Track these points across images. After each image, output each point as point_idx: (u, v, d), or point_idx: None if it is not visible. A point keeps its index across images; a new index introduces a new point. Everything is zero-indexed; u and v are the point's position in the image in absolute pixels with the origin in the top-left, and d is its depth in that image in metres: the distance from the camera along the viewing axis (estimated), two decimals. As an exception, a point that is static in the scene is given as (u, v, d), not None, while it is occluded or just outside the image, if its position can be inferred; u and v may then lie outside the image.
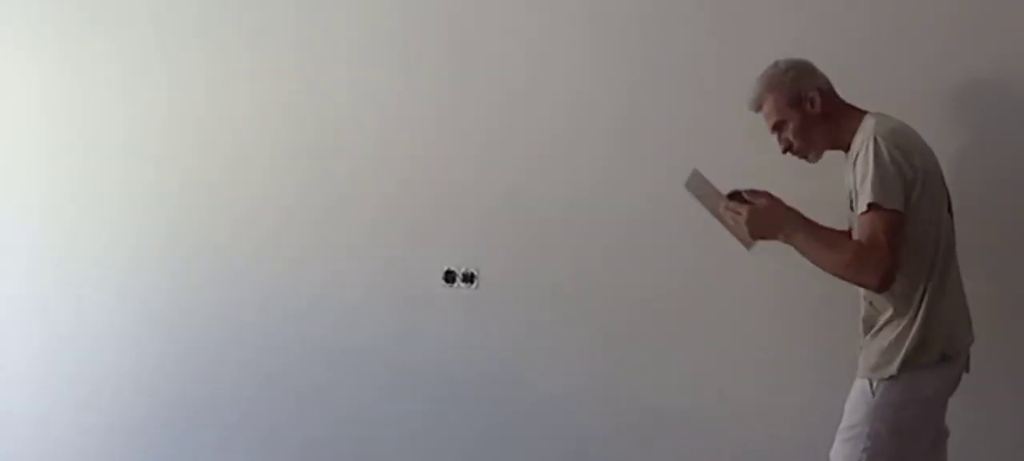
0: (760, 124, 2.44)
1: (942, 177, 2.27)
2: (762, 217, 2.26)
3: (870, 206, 2.10)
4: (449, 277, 3.13)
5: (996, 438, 2.68)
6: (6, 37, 3.57)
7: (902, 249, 2.11)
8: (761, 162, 2.57)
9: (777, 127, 2.37)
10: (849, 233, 2.28)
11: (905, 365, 2.18)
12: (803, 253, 2.22)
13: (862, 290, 2.29)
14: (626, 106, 2.98)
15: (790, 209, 2.27)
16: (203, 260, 3.38)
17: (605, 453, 3.03)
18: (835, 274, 2.17)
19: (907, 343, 2.18)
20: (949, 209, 2.29)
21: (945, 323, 2.21)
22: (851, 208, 2.25)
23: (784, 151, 2.38)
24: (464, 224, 3.13)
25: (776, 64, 2.37)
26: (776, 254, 2.61)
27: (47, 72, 3.56)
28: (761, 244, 2.32)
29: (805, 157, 2.37)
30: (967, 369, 2.35)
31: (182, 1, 3.42)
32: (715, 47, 2.89)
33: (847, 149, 2.30)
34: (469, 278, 3.12)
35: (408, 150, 3.18)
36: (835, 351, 2.57)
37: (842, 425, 2.29)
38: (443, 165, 3.15)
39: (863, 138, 2.20)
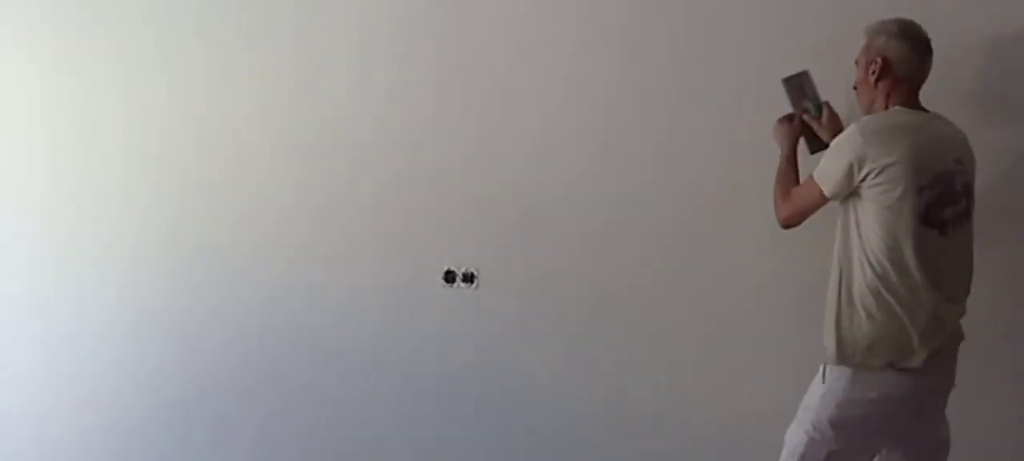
0: (748, 122, 2.61)
1: (933, 187, 2.25)
2: (778, 129, 2.65)
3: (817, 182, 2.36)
4: (449, 277, 3.13)
5: (997, 437, 2.69)
6: (6, 37, 3.56)
7: (799, 218, 2.46)
8: (755, 160, 2.61)
9: (856, 62, 2.48)
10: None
11: (846, 359, 2.28)
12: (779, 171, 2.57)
13: (832, 275, 2.39)
14: (624, 105, 2.98)
15: (789, 140, 2.61)
16: (203, 260, 3.38)
17: (605, 452, 3.03)
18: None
19: (836, 335, 2.31)
20: (941, 223, 2.27)
21: (886, 330, 2.25)
22: None
23: (854, 87, 2.52)
24: (464, 224, 3.13)
25: (888, 21, 2.42)
26: (773, 253, 2.63)
27: (47, 72, 3.56)
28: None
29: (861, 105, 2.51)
30: (951, 383, 2.37)
31: (182, 1, 3.42)
32: (713, 44, 2.89)
33: None
34: (469, 278, 3.12)
35: (408, 150, 3.18)
36: (815, 345, 2.55)
37: (801, 404, 2.39)
38: (443, 165, 3.15)
39: (854, 123, 2.33)
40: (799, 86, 2.63)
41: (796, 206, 2.45)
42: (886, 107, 2.37)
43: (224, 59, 3.38)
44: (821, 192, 2.34)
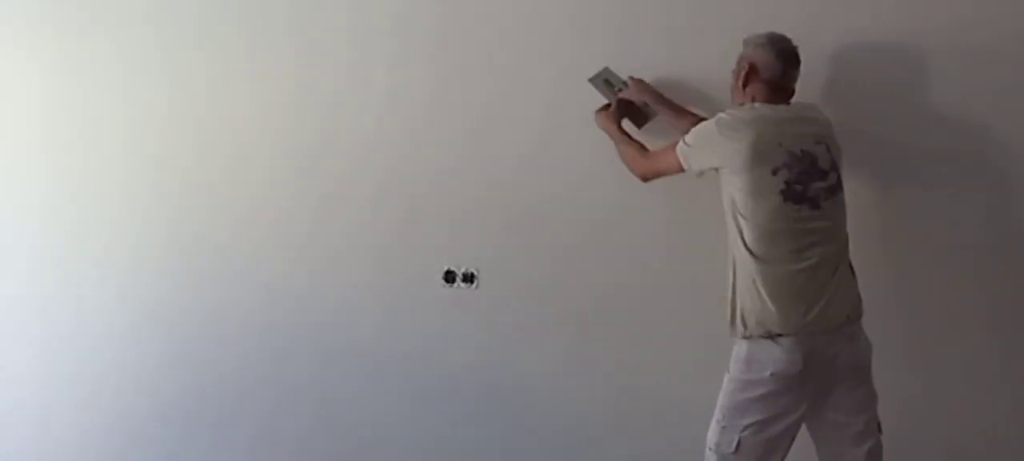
0: None
1: (792, 165, 2.40)
2: (598, 118, 2.91)
3: (682, 139, 2.55)
4: (449, 277, 3.14)
5: (999, 437, 2.69)
6: (6, 37, 3.56)
7: (657, 176, 2.70)
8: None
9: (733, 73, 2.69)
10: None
11: (732, 325, 2.45)
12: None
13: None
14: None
15: (611, 121, 2.86)
16: (203, 259, 3.38)
17: (605, 452, 3.03)
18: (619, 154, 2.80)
19: (731, 310, 2.47)
20: (812, 198, 2.41)
21: (765, 302, 2.37)
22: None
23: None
24: (464, 224, 3.13)
25: (765, 33, 2.63)
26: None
27: (47, 72, 3.56)
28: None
29: None
30: (856, 349, 2.45)
31: (182, 1, 3.42)
32: (713, 43, 2.90)
33: None
34: (469, 278, 3.12)
35: (407, 149, 3.18)
36: None
37: None
38: (442, 165, 3.15)
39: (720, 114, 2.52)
40: (604, 80, 2.89)
41: (656, 166, 2.69)
42: (744, 102, 2.58)
43: (224, 59, 3.37)
44: (680, 163, 2.56)
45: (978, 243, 2.79)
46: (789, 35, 2.60)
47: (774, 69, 2.56)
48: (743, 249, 2.42)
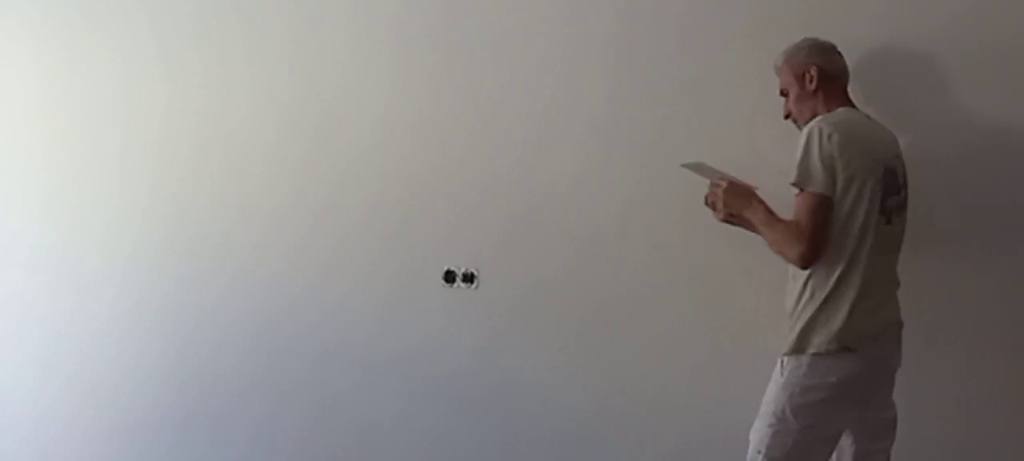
0: (745, 121, 2.61)
1: (884, 180, 2.35)
2: (731, 194, 2.53)
3: (798, 188, 2.32)
4: (449, 277, 3.13)
5: (999, 435, 2.69)
6: (6, 37, 3.57)
7: (826, 230, 2.30)
8: (747, 151, 2.61)
9: (783, 93, 2.60)
10: None
11: (803, 347, 2.33)
12: (758, 229, 2.47)
13: (789, 271, 2.44)
14: (624, 105, 2.98)
15: (746, 195, 2.52)
16: (202, 258, 3.38)
17: (605, 452, 3.03)
18: (774, 250, 2.42)
19: (804, 325, 2.35)
20: (887, 212, 2.37)
21: (844, 314, 2.31)
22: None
23: (785, 117, 2.60)
24: (464, 224, 3.13)
25: (802, 40, 2.56)
26: (773, 252, 2.62)
27: (47, 72, 3.56)
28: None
29: (798, 127, 2.52)
30: (896, 363, 2.46)
31: (182, 2, 3.42)
32: (713, 43, 2.90)
33: None
34: (469, 278, 3.12)
35: (407, 149, 3.18)
36: None
37: (762, 401, 2.44)
38: (442, 164, 3.15)
39: (810, 124, 2.37)
40: (697, 166, 2.60)
41: (813, 232, 2.30)
42: (830, 110, 2.45)
43: (223, 59, 3.38)
44: (820, 196, 2.30)
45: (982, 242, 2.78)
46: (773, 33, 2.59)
47: (837, 65, 2.50)
48: (828, 261, 2.33)
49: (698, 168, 2.60)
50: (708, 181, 2.62)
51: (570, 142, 3.03)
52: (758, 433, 2.42)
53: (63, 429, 3.52)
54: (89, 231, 3.50)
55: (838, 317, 2.32)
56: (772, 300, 2.81)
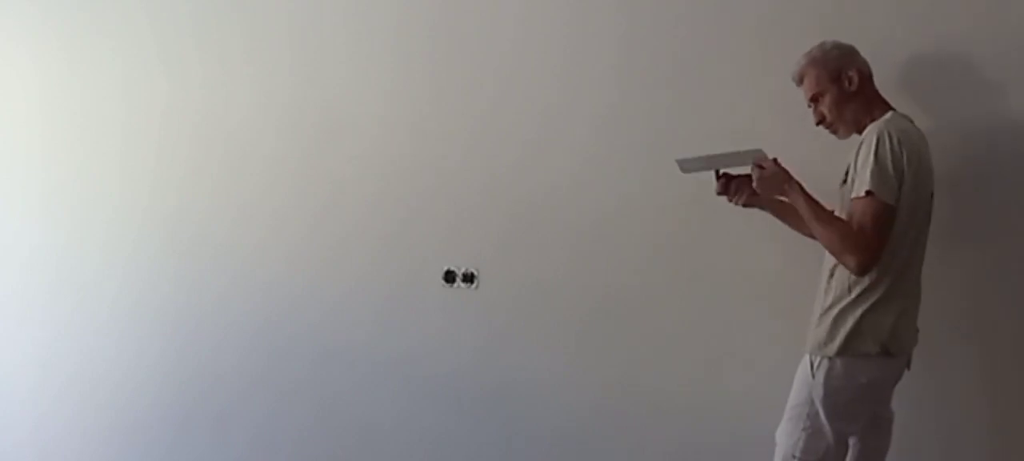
0: (746, 121, 2.57)
1: (930, 188, 2.38)
2: (774, 177, 2.43)
3: (867, 193, 2.24)
4: (449, 277, 3.13)
5: (999, 434, 2.69)
6: (6, 37, 3.57)
7: (887, 239, 2.25)
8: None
9: (814, 99, 2.49)
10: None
11: (845, 349, 2.29)
12: (803, 214, 2.39)
13: (826, 269, 2.40)
14: (623, 104, 2.98)
15: (784, 176, 2.42)
16: (202, 258, 3.38)
17: (605, 452, 3.03)
18: (824, 245, 2.35)
19: (850, 327, 2.29)
20: (928, 216, 2.39)
21: (892, 319, 2.30)
22: (841, 186, 2.40)
23: (818, 123, 2.51)
24: (464, 224, 3.13)
25: (822, 43, 2.49)
26: (773, 252, 2.62)
27: (47, 72, 3.57)
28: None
29: (835, 132, 2.49)
30: (908, 367, 2.45)
31: (182, 2, 3.42)
32: (712, 42, 2.90)
33: (860, 131, 2.43)
34: (469, 278, 3.12)
35: (407, 149, 3.19)
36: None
37: (788, 403, 2.40)
38: (442, 164, 3.15)
39: (876, 128, 2.32)
40: (693, 161, 2.56)
41: (877, 242, 2.24)
42: (877, 113, 2.41)
43: (223, 59, 3.38)
44: (889, 206, 2.24)
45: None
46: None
47: (867, 65, 2.46)
48: (879, 278, 2.29)
49: (696, 163, 2.55)
50: (715, 174, 2.59)
51: (570, 142, 3.03)
52: (790, 436, 2.38)
53: (63, 429, 3.52)
54: (89, 231, 3.50)
55: (887, 323, 2.28)
56: (772, 300, 2.82)
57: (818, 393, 2.32)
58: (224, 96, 3.37)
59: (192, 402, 3.40)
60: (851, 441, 2.47)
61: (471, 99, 3.12)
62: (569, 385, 3.05)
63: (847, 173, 2.38)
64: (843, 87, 2.43)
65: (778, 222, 2.65)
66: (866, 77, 2.45)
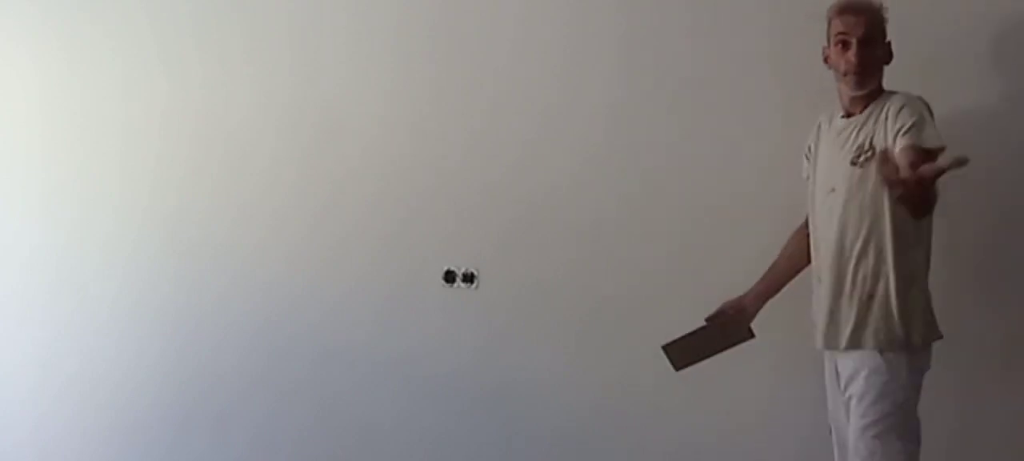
0: (746, 120, 2.56)
1: None
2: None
3: (936, 149, 2.15)
4: (449, 277, 3.13)
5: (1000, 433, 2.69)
6: (6, 37, 3.57)
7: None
8: (755, 158, 2.60)
9: (862, 42, 2.34)
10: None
11: (908, 338, 2.23)
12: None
13: (831, 257, 2.32)
14: (624, 105, 2.98)
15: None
16: (202, 258, 3.38)
17: (605, 452, 3.03)
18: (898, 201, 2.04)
19: (896, 318, 2.23)
20: None
21: (927, 302, 2.29)
22: (851, 164, 2.30)
23: (848, 63, 2.35)
24: (464, 224, 3.13)
25: (883, 4, 2.41)
26: (773, 252, 2.61)
27: (47, 72, 3.56)
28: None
29: (859, 82, 2.36)
30: None
31: (182, 2, 3.42)
32: (713, 42, 2.90)
33: (857, 108, 2.37)
34: (469, 278, 3.12)
35: (407, 149, 3.19)
36: (805, 344, 2.54)
37: (857, 403, 2.26)
38: (443, 164, 3.15)
39: (905, 97, 2.29)
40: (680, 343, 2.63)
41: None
42: (881, 90, 2.38)
43: (223, 59, 3.38)
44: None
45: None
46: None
47: None
48: (921, 256, 2.29)
49: (683, 349, 2.60)
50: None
51: (570, 142, 3.03)
52: (890, 451, 2.21)
53: (63, 429, 3.52)
54: (89, 231, 3.50)
55: (926, 309, 2.27)
56: (772, 300, 2.82)
57: (901, 395, 2.22)
58: (224, 96, 3.37)
59: (192, 402, 3.40)
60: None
61: (471, 99, 3.12)
62: (569, 385, 3.05)
63: (861, 149, 2.30)
64: (886, 49, 2.40)
65: (778, 222, 2.62)
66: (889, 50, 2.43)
